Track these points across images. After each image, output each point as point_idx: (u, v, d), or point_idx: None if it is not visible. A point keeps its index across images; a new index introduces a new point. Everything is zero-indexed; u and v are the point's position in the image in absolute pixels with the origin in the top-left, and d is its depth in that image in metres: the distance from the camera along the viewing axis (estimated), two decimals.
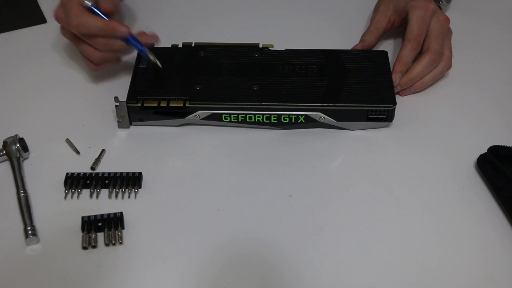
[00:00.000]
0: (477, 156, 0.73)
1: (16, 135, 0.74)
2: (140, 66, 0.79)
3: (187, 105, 0.75)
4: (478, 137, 0.76)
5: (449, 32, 0.83)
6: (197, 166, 0.74)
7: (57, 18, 0.77)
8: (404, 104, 0.80)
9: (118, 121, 0.77)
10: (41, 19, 0.91)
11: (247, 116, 0.76)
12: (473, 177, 0.73)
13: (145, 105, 0.75)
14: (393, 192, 0.71)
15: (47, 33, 0.89)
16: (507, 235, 0.67)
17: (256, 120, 0.76)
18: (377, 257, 0.65)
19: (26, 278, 0.63)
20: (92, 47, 0.76)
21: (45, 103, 0.80)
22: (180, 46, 0.82)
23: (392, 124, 0.77)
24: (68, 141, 0.76)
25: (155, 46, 0.81)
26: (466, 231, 0.68)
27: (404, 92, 0.81)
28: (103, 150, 0.75)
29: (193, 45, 0.82)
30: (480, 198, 0.70)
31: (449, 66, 0.81)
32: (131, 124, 0.77)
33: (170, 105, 0.75)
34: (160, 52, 0.80)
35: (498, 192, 0.70)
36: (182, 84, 0.77)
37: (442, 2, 0.90)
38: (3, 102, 0.81)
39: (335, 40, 0.88)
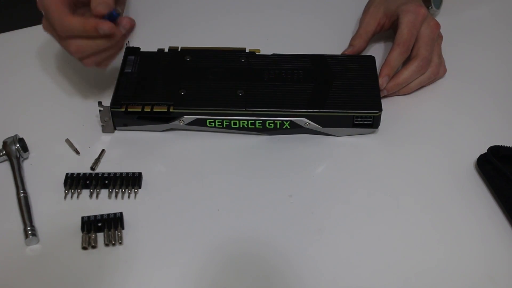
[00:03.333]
0: (477, 156, 0.73)
1: (16, 135, 0.74)
2: (125, 71, 0.78)
3: (171, 110, 0.74)
4: (478, 137, 0.76)
5: (439, 37, 0.82)
6: (198, 166, 0.74)
7: None
8: (405, 104, 0.80)
9: (102, 126, 0.76)
10: (41, 19, 0.91)
11: (232, 121, 0.75)
12: (473, 177, 0.72)
13: (129, 110, 0.74)
14: (393, 193, 0.71)
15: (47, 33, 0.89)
16: (507, 235, 0.67)
17: (241, 126, 0.75)
18: (377, 257, 0.65)
19: (26, 278, 0.63)
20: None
21: (45, 103, 0.80)
22: (166, 50, 0.81)
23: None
24: (68, 141, 0.76)
25: (140, 47, 0.81)
26: (466, 231, 0.68)
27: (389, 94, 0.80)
28: (103, 150, 0.75)
29: (179, 50, 0.81)
30: (480, 198, 0.70)
31: (436, 73, 0.80)
32: (115, 129, 0.77)
33: (154, 110, 0.74)
34: (146, 56, 0.79)
35: (498, 192, 0.70)
36: (167, 89, 0.76)
37: (431, 7, 0.89)
38: (3, 102, 0.81)
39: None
